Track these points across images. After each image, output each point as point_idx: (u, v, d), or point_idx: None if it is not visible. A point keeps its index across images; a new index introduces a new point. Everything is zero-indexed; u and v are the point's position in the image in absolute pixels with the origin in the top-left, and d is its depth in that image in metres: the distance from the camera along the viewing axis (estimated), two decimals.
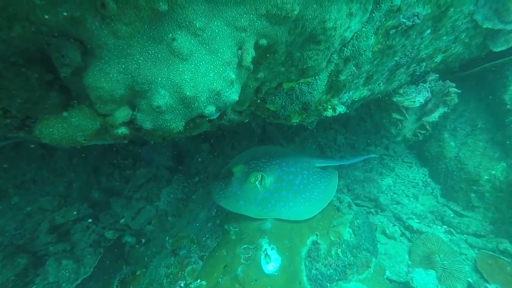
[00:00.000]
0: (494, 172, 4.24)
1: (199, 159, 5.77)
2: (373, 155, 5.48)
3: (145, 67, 1.35)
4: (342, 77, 2.56)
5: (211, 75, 1.57)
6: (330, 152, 6.08)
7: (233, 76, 1.70)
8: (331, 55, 2.27)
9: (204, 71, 1.54)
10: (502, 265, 3.71)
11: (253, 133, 6.38)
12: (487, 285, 3.56)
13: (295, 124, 2.89)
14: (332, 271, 3.44)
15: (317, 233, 3.52)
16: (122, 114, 1.42)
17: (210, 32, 1.46)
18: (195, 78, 1.50)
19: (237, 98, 1.81)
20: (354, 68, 2.58)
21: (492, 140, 4.42)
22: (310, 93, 2.42)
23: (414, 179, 5.38)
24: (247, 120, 3.09)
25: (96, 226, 4.58)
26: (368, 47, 2.43)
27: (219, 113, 1.89)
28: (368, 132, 6.48)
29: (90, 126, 1.43)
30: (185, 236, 3.58)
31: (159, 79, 1.39)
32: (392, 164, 5.82)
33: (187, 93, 1.47)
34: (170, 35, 1.36)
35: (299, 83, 2.35)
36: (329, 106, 2.86)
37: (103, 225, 4.65)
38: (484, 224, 4.18)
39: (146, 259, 4.18)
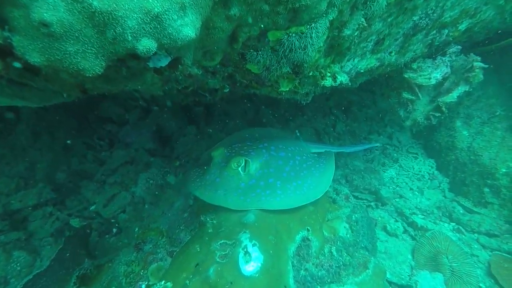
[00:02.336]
0: None
1: (183, 142, 5.21)
2: (376, 144, 4.93)
3: None
4: (346, 32, 1.98)
5: None
6: (328, 140, 5.54)
7: None
8: None
9: None
10: None
11: (245, 116, 5.82)
12: None
13: (284, 94, 2.32)
14: (324, 272, 2.96)
15: (309, 227, 3.02)
16: None
17: None
18: None
19: (194, 35, 1.23)
20: (363, 20, 1.99)
21: None
22: (304, 49, 1.84)
23: (420, 171, 4.87)
24: (227, 90, 2.52)
25: (61, 213, 4.05)
26: None
27: (169, 59, 1.32)
28: (371, 119, 5.94)
29: None
30: (154, 228, 3.06)
31: None
32: (395, 154, 5.29)
33: (95, 3, 0.90)
34: None
35: (288, 33, 1.77)
36: (328, 73, 2.28)
37: (69, 212, 4.12)
38: (498, 222, 3.68)
39: (114, 251, 3.68)
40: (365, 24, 1.99)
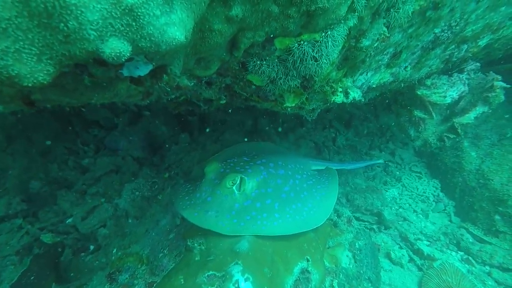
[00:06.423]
0: None
1: (175, 151, 4.87)
2: (380, 161, 4.67)
3: None
4: (365, 43, 1.70)
5: None
6: (328, 154, 5.26)
7: None
8: None
9: None
10: None
11: (242, 125, 5.52)
12: None
13: (289, 110, 2.03)
14: None
15: (308, 257, 2.70)
16: None
17: None
18: None
19: (183, 38, 0.93)
20: (384, 29, 1.72)
21: None
22: (316, 60, 1.55)
23: (424, 192, 4.61)
24: (223, 101, 2.21)
25: (31, 226, 3.65)
26: None
27: (150, 66, 1.01)
28: (372, 134, 5.71)
29: None
30: (133, 252, 2.70)
31: None
32: (398, 172, 5.04)
33: None
34: None
35: (300, 41, 1.48)
36: (340, 88, 2.00)
37: (42, 225, 3.72)
38: None
39: (89, 273, 3.29)
40: (387, 35, 1.72)
